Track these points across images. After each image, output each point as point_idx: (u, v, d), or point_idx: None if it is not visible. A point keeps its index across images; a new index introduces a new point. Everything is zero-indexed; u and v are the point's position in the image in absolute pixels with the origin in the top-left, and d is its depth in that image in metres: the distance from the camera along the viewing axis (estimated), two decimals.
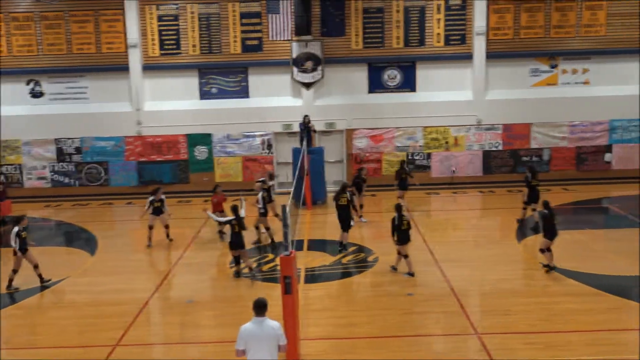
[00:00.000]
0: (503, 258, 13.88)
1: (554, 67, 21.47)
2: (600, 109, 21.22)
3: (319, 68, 21.20)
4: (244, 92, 21.73)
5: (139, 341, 10.32)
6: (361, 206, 17.23)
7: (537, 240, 13.83)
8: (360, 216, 16.96)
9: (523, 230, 15.92)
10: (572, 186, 20.67)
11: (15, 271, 12.62)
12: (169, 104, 21.52)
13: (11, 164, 21.74)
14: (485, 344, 9.66)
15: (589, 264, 13.07)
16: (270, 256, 14.45)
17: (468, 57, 21.30)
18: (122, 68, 21.31)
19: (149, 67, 21.47)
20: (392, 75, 21.62)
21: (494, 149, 21.66)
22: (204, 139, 21.68)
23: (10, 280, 12.65)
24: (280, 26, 21.10)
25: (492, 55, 21.19)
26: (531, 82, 21.56)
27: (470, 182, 21.58)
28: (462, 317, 10.79)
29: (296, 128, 20.43)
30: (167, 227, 15.81)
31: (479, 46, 21.09)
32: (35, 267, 12.81)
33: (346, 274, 13.44)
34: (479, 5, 20.91)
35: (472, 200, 20.44)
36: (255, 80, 21.66)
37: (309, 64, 21.12)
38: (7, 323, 11.06)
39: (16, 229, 12.55)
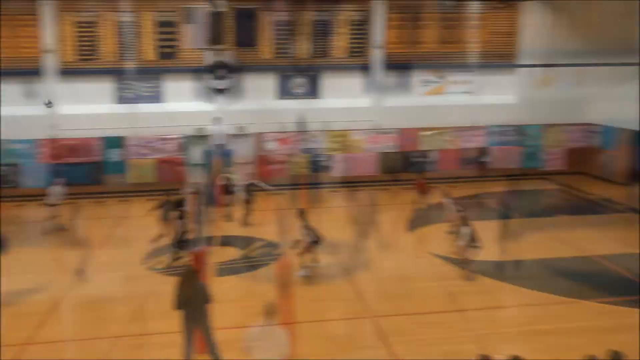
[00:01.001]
0: (396, 246, 15.84)
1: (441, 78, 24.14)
2: (481, 116, 24.05)
3: (232, 75, 22.57)
4: (158, 97, 22.80)
5: (52, 339, 10.82)
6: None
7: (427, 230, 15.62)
8: None
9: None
10: (456, 184, 22.65)
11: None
12: (85, 108, 22.16)
13: None
14: (380, 326, 11.19)
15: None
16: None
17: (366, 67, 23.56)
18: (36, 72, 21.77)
19: (66, 72, 22.00)
20: (299, 83, 23.45)
21: (388, 150, 23.94)
22: (119, 141, 22.44)
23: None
24: (195, 36, 22.25)
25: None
26: (423, 91, 24.11)
27: (367, 180, 23.62)
28: (358, 302, 12.51)
29: (208, 132, 21.67)
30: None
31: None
32: None
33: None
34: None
35: (369, 196, 22.10)
36: (169, 85, 22.85)
37: (221, 72, 22.38)
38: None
39: None
